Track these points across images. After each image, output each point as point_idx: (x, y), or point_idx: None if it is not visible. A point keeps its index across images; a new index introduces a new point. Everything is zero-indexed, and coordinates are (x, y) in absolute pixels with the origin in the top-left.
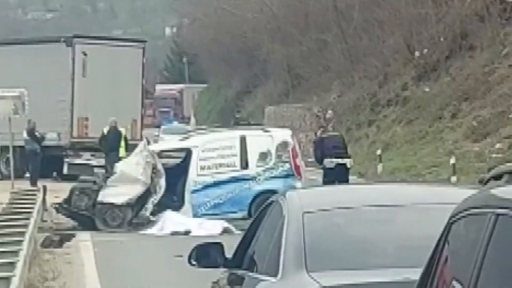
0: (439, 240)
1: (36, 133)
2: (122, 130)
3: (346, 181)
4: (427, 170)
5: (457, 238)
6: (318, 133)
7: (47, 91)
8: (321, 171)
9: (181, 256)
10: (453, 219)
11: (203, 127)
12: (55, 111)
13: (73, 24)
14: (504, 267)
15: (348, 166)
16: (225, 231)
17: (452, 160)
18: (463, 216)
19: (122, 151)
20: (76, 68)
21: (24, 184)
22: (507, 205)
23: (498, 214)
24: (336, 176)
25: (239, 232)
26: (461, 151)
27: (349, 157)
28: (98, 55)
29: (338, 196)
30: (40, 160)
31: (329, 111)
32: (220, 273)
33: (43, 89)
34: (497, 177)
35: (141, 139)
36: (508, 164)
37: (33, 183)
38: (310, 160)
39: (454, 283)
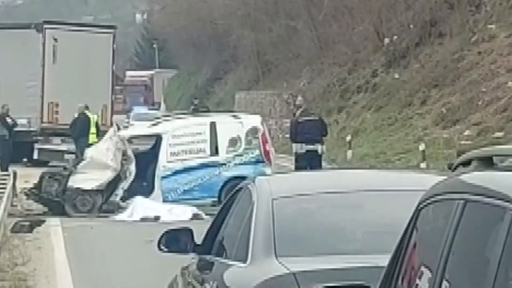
0: (408, 226)
1: (8, 119)
2: (94, 116)
3: (318, 167)
4: (397, 156)
5: (425, 224)
6: (297, 113)
7: (17, 77)
8: (288, 156)
9: (150, 241)
10: (422, 205)
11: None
12: (25, 96)
13: (43, 10)
14: (472, 253)
15: (319, 152)
16: (195, 217)
17: (421, 147)
18: (432, 202)
19: (92, 137)
20: (46, 54)
21: None
22: (475, 191)
23: (466, 200)
24: (308, 162)
25: (208, 218)
26: (430, 138)
27: (321, 143)
28: (69, 41)
29: (307, 182)
30: (11, 146)
31: (299, 98)
32: (190, 259)
33: (14, 75)
34: (466, 163)
35: (111, 125)
36: (476, 150)
37: (3, 169)
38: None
39: (423, 268)
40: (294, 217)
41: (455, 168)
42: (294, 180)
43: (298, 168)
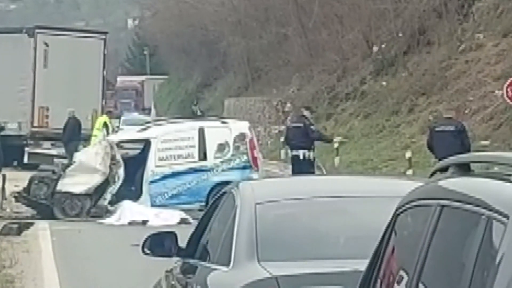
0: (386, 231)
1: None
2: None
3: (308, 173)
4: (384, 163)
5: (403, 228)
6: (301, 116)
7: (8, 81)
8: (275, 162)
9: (138, 245)
10: (400, 210)
11: (163, 118)
12: (16, 100)
13: (36, 15)
14: (448, 258)
15: (301, 157)
16: (182, 221)
17: (408, 154)
18: (410, 207)
19: (94, 139)
20: (37, 59)
21: None
22: (452, 196)
23: (443, 206)
24: (300, 167)
25: (196, 222)
26: (417, 145)
27: (307, 149)
28: (60, 46)
29: (291, 187)
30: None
31: (288, 104)
32: (174, 262)
33: (5, 78)
34: (443, 170)
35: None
36: (453, 157)
37: None
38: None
39: (400, 272)
40: (277, 221)
41: (432, 174)
42: (277, 185)
43: (293, 173)
